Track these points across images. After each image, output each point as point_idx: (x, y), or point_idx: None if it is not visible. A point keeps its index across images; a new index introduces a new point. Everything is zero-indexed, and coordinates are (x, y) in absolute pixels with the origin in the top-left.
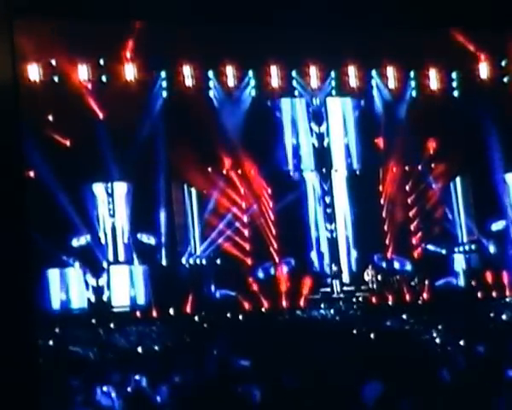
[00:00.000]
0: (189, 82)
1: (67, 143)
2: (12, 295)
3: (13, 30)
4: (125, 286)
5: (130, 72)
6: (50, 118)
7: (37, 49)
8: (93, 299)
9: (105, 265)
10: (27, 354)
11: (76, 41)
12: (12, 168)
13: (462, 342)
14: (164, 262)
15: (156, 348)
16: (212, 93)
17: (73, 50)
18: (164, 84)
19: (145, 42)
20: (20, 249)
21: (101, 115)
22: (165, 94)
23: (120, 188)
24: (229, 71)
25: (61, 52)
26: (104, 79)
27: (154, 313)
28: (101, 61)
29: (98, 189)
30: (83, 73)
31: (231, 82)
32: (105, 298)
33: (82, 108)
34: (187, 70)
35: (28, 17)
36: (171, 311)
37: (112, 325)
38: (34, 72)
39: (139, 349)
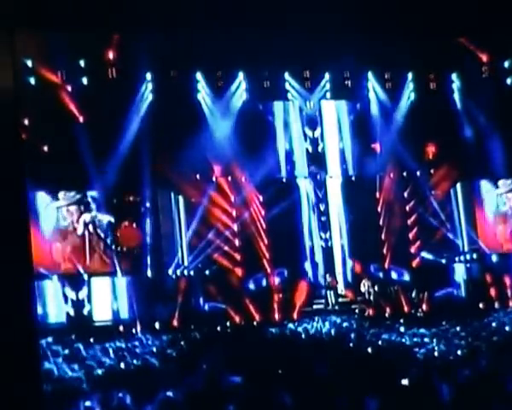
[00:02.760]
0: (176, 84)
1: (46, 148)
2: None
3: (14, 39)
4: (107, 299)
5: (113, 73)
6: (26, 122)
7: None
8: (72, 313)
9: (85, 277)
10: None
11: (55, 42)
12: (13, 179)
13: (463, 356)
14: (149, 273)
15: (140, 364)
16: (200, 96)
17: (52, 52)
18: (150, 86)
19: (130, 42)
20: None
21: (81, 119)
22: (150, 97)
23: (102, 195)
24: (219, 72)
25: (38, 53)
26: (85, 81)
27: (139, 328)
28: (82, 63)
29: (77, 196)
30: (62, 74)
31: (221, 84)
32: (85, 312)
33: (62, 111)
34: (174, 71)
35: (29, 27)
36: (157, 325)
37: (93, 341)
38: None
39: (122, 365)
